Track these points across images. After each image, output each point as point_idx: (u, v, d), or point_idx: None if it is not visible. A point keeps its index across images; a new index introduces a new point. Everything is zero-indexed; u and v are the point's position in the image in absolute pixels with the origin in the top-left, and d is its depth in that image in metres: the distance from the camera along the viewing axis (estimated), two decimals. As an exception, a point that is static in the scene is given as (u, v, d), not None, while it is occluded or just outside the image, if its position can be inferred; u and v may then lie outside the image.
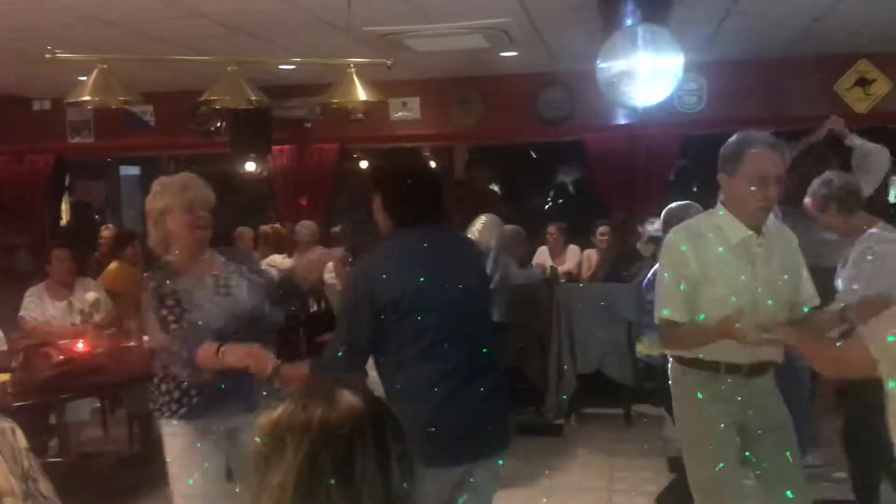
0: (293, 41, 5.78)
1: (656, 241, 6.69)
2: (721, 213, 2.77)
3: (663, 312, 2.78)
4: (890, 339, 2.02)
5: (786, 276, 2.77)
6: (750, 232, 2.72)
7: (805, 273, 2.86)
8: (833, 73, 6.95)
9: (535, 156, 11.28)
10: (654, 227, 6.79)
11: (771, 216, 2.82)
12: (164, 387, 2.82)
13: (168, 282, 2.74)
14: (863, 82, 6.86)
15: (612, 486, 4.56)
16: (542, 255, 7.23)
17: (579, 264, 7.09)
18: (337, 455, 1.04)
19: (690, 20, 5.31)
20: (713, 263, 2.71)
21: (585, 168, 8.69)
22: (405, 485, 1.08)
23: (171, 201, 2.76)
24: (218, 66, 4.78)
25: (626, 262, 6.25)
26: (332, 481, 1.03)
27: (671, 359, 2.92)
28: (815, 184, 3.81)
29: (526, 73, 7.31)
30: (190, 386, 2.76)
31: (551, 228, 7.32)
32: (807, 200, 3.83)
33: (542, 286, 6.11)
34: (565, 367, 5.89)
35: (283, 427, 1.07)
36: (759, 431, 2.81)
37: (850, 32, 6.02)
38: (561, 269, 6.86)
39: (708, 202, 6.02)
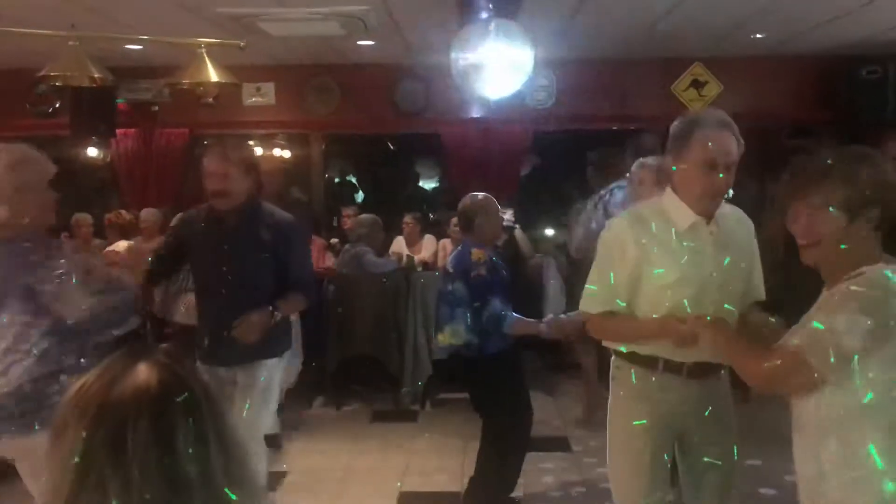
0: (141, 20, 5.53)
1: (508, 230, 6.95)
2: (669, 197, 2.57)
3: (587, 305, 2.64)
4: (816, 324, 1.86)
5: (742, 265, 2.59)
6: (699, 217, 2.53)
7: (758, 264, 2.69)
8: (672, 75, 7.38)
9: (392, 147, 11.33)
10: (505, 216, 7.03)
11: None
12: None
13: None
14: (697, 84, 7.33)
15: (464, 468, 4.67)
16: (399, 245, 7.30)
17: (435, 253, 7.20)
18: (108, 435, 1.02)
19: (541, 17, 5.49)
20: (658, 248, 2.52)
21: (442, 160, 8.83)
22: (196, 463, 1.05)
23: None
24: (58, 43, 4.52)
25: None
26: (105, 461, 1.01)
27: (613, 353, 2.71)
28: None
29: (383, 64, 7.33)
30: None
31: (408, 218, 7.40)
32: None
33: (397, 275, 6.18)
34: (420, 353, 5.99)
35: (69, 405, 1.06)
36: (697, 444, 2.61)
37: (686, 37, 6.41)
38: (417, 258, 6.94)
39: (559, 196, 6.24)
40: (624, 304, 2.57)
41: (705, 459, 2.61)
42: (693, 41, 6.62)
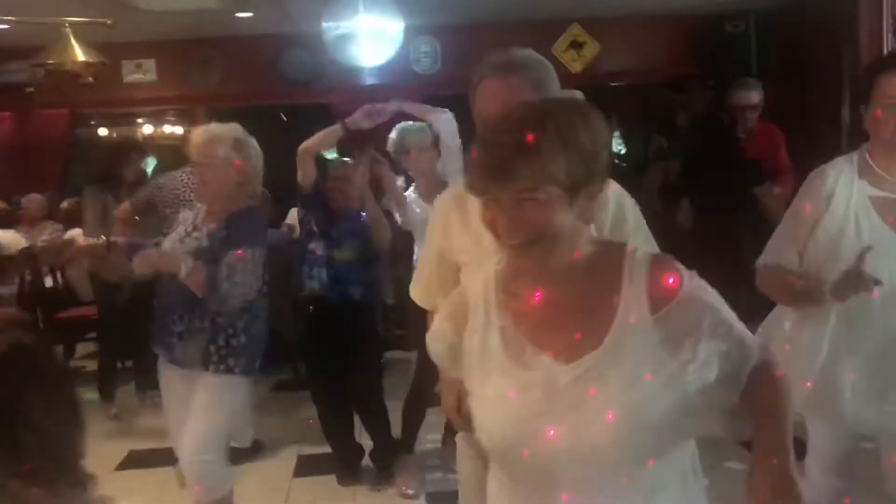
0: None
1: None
2: None
3: (411, 289, 2.30)
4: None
5: None
6: None
7: None
8: (553, 37, 7.57)
9: (285, 118, 11.23)
10: (398, 183, 7.12)
11: None
12: None
13: None
14: (576, 45, 7.54)
15: (361, 431, 4.81)
16: (294, 216, 7.30)
17: (330, 223, 7.25)
18: None
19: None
20: (467, 236, 2.05)
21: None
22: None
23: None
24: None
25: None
26: None
27: None
28: None
29: (266, 35, 7.27)
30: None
31: (303, 190, 7.42)
32: None
33: (291, 246, 6.21)
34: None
35: None
36: None
37: (563, -2, 6.61)
38: (312, 228, 6.97)
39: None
40: (423, 297, 2.24)
41: None
42: (570, 3, 6.81)
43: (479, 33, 7.36)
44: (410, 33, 6.41)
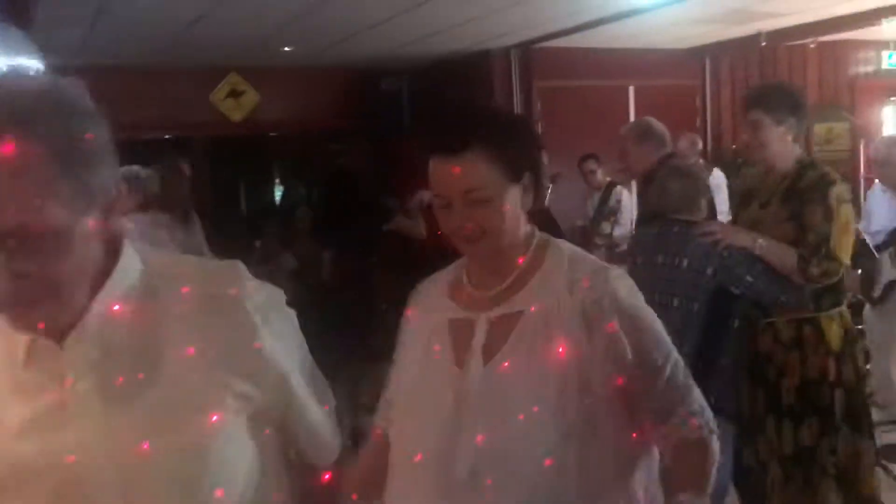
0: None
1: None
2: None
3: None
4: None
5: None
6: (36, 336, 1.05)
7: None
8: (209, 86, 7.41)
9: None
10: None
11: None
12: None
13: None
14: (235, 94, 7.44)
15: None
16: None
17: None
18: None
19: (60, 21, 5.10)
20: None
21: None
22: None
23: None
24: None
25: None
26: None
27: None
28: None
29: None
30: None
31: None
32: None
33: None
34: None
35: None
36: None
37: (222, 47, 6.48)
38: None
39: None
40: None
41: None
42: (229, 51, 6.70)
43: (129, 76, 6.93)
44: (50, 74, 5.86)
